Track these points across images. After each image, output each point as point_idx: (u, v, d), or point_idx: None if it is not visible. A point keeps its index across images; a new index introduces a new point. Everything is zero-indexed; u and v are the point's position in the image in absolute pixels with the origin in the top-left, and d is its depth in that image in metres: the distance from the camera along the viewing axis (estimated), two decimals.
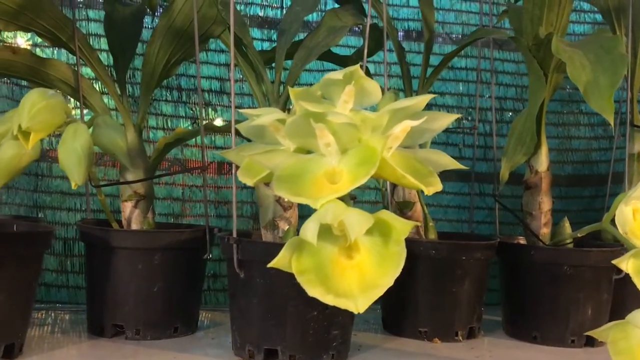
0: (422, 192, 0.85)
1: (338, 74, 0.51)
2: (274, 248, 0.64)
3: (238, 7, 1.02)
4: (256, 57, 0.76)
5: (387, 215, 0.45)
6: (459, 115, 0.50)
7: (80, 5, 0.97)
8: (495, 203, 0.93)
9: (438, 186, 0.49)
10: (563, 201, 1.13)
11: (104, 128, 0.59)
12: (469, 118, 1.10)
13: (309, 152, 0.50)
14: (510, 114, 1.13)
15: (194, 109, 1.01)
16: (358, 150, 0.47)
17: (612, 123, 0.59)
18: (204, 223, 0.94)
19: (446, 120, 0.50)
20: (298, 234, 0.69)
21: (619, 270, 0.78)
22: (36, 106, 0.51)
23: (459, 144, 1.10)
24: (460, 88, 1.12)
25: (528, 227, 0.84)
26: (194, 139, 0.98)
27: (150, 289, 0.72)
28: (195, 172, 0.97)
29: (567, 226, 0.83)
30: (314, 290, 0.44)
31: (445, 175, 1.08)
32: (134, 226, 0.77)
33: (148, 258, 0.71)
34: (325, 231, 0.46)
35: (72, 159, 0.52)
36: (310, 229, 0.42)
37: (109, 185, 0.75)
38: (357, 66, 0.51)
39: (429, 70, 0.85)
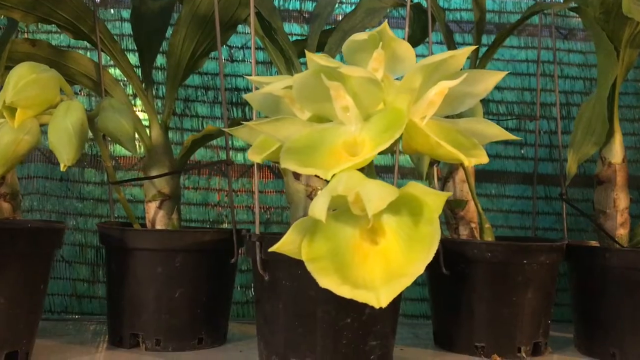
0: (476, 190, 0.76)
1: (362, 35, 0.43)
2: None
3: (276, 2, 0.97)
4: (286, 42, 0.70)
5: (416, 188, 0.37)
6: (506, 73, 0.42)
7: (113, 5, 0.94)
8: (563, 204, 0.82)
9: (483, 158, 0.40)
10: None
11: (110, 111, 0.53)
12: (532, 114, 1.00)
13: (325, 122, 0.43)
14: (578, 109, 1.02)
15: (230, 109, 0.95)
16: (383, 114, 0.39)
17: None
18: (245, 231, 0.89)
19: (492, 79, 0.42)
20: None
21: None
22: (23, 80, 0.46)
23: (520, 143, 1.00)
24: (521, 82, 1.02)
25: (601, 227, 0.73)
26: (232, 142, 0.93)
27: (171, 295, 0.65)
28: (239, 175, 0.91)
29: None
30: (327, 280, 0.36)
31: (506, 178, 1.00)
32: (158, 227, 0.71)
33: (169, 260, 0.65)
34: (345, 212, 0.38)
35: (62, 137, 0.47)
36: (318, 204, 0.35)
37: (128, 181, 0.70)
38: (385, 24, 0.43)
39: (482, 51, 0.76)
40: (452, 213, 0.75)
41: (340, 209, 0.38)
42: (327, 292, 0.56)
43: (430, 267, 0.73)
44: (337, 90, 0.38)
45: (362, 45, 0.44)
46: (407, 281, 0.35)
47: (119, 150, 0.92)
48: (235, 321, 0.85)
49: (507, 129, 1.01)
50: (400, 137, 0.42)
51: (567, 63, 1.03)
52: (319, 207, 0.34)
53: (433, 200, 0.36)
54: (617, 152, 0.73)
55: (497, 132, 0.43)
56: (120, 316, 0.67)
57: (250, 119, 0.95)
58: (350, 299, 0.49)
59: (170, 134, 0.92)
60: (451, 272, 0.67)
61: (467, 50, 0.40)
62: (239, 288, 0.91)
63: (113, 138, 0.54)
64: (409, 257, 0.35)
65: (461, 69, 0.42)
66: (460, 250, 0.69)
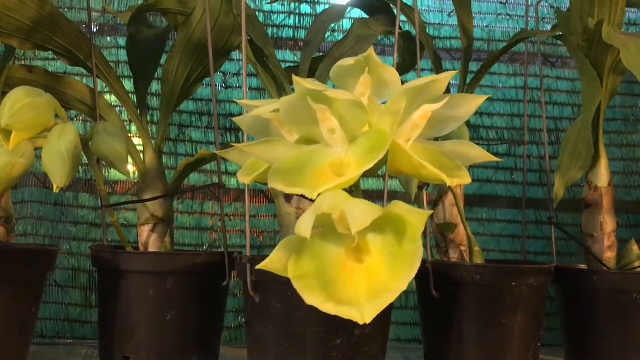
0: (465, 212, 0.77)
1: (349, 60, 0.44)
2: None
3: (270, 31, 0.99)
4: (278, 68, 0.71)
5: (400, 208, 0.38)
6: (487, 97, 0.43)
7: (110, 33, 0.96)
8: (552, 228, 0.83)
9: (465, 179, 0.41)
10: (631, 230, 1.02)
11: (104, 135, 0.54)
12: (522, 140, 1.02)
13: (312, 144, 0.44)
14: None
15: (225, 135, 0.96)
16: (367, 136, 0.40)
17: None
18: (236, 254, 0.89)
19: (473, 103, 0.43)
20: None
21: None
22: (19, 103, 0.47)
23: (510, 168, 1.01)
24: (510, 108, 1.04)
25: (589, 250, 0.74)
26: (223, 167, 0.94)
27: (162, 317, 0.65)
28: (233, 200, 0.92)
29: (635, 248, 0.73)
30: (312, 298, 0.37)
31: (497, 202, 1.01)
32: (150, 250, 0.72)
33: (160, 283, 0.65)
34: (330, 230, 0.39)
35: (55, 159, 0.47)
36: (304, 222, 0.36)
37: (121, 204, 0.70)
38: (371, 50, 0.44)
39: (469, 77, 0.78)
40: (441, 236, 0.76)
41: (326, 228, 0.39)
42: (317, 314, 0.56)
43: (421, 290, 0.74)
44: (323, 113, 0.39)
45: (349, 70, 0.45)
46: (391, 297, 0.35)
47: (114, 175, 0.93)
48: (227, 345, 0.85)
49: (497, 154, 1.04)
50: (386, 160, 0.44)
51: (555, 90, 1.05)
52: (304, 226, 0.35)
53: (416, 218, 0.37)
54: (603, 176, 0.74)
55: (479, 154, 0.44)
56: (111, 339, 0.67)
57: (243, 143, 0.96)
58: (339, 319, 0.49)
59: (164, 159, 0.93)
60: (441, 295, 0.67)
61: (449, 75, 0.41)
62: (231, 312, 0.92)
63: (106, 161, 0.55)
64: (392, 275, 0.36)
65: (446, 93, 0.43)
66: (449, 273, 0.69)
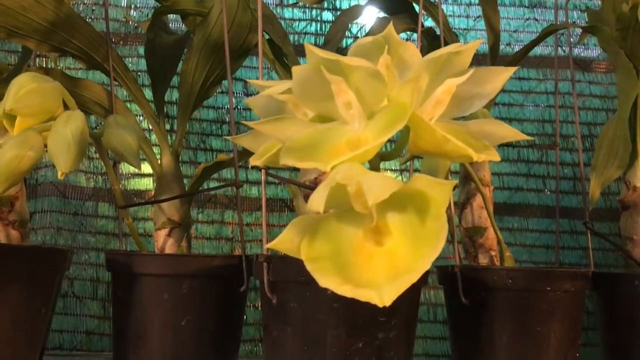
0: (494, 216, 0.73)
1: (367, 38, 0.42)
2: None
3: (291, 38, 0.97)
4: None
5: (421, 182, 0.35)
6: (516, 68, 0.40)
7: (130, 42, 0.95)
8: (588, 232, 0.79)
9: (494, 155, 0.38)
10: None
11: (114, 127, 0.52)
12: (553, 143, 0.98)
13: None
14: None
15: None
16: (386, 111, 0.37)
17: None
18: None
19: (501, 77, 0.40)
20: None
21: None
22: (24, 88, 0.45)
23: (542, 175, 0.97)
24: (541, 114, 1.00)
25: (629, 255, 0.69)
26: (244, 176, 0.92)
27: (177, 323, 0.63)
28: (251, 210, 0.90)
29: None
30: (327, 280, 0.33)
31: (529, 211, 0.97)
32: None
33: (174, 286, 0.63)
34: (347, 211, 0.36)
35: (60, 144, 0.46)
36: (317, 196, 0.33)
37: (137, 205, 0.68)
38: (390, 28, 0.42)
39: None
40: (470, 241, 0.72)
41: (343, 208, 0.36)
42: (337, 315, 0.53)
43: (449, 298, 0.70)
44: (338, 85, 0.37)
45: (367, 50, 0.43)
46: (412, 278, 0.32)
47: (134, 184, 0.91)
48: (246, 358, 0.82)
49: (529, 161, 0.99)
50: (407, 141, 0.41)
51: (588, 95, 1.01)
52: (317, 199, 0.32)
53: (439, 192, 0.34)
54: None
55: (509, 133, 0.41)
56: (124, 345, 0.64)
57: None
58: (361, 321, 0.46)
59: (184, 168, 0.91)
60: (471, 302, 0.64)
61: (474, 45, 0.39)
62: (252, 325, 0.89)
63: (117, 154, 0.53)
64: (414, 254, 0.33)
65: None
66: (479, 278, 0.65)
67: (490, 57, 0.76)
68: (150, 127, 0.74)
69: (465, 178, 0.73)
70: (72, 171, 0.47)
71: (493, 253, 0.71)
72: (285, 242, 0.36)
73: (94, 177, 0.90)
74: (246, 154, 0.92)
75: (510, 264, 0.70)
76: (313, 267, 0.34)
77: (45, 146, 0.50)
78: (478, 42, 0.38)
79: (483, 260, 0.72)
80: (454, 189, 0.68)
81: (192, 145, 0.93)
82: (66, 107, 0.52)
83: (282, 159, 0.36)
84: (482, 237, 0.72)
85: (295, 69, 0.37)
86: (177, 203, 0.70)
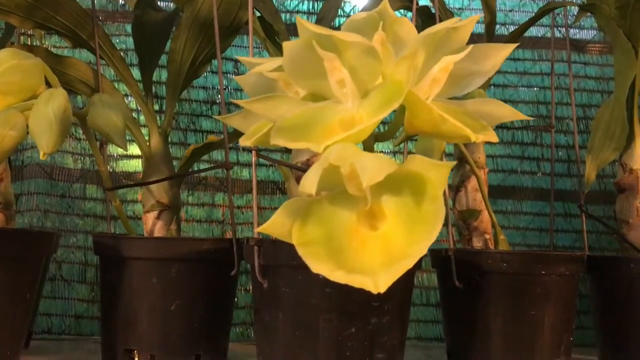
0: (489, 199, 0.72)
1: (361, 14, 0.40)
2: None
3: (283, 17, 0.95)
4: None
5: (418, 164, 0.33)
6: (516, 44, 0.39)
7: (117, 20, 0.93)
8: (582, 216, 0.78)
9: (491, 136, 0.37)
10: None
11: (100, 107, 0.51)
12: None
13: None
14: None
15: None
16: (381, 89, 0.36)
17: None
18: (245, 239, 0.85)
19: (500, 54, 0.39)
20: None
21: None
22: (4, 65, 0.43)
23: (537, 157, 0.96)
24: (535, 95, 0.99)
25: (624, 238, 0.69)
26: (235, 158, 0.90)
27: (166, 307, 0.62)
28: (242, 192, 0.89)
29: None
30: (319, 265, 0.32)
31: (523, 194, 0.96)
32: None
33: (164, 270, 0.61)
34: (340, 193, 0.35)
35: (41, 123, 0.44)
36: (309, 177, 0.31)
37: (123, 187, 0.67)
38: (385, 3, 0.40)
39: None
40: (464, 224, 0.71)
41: (336, 190, 0.35)
42: (330, 300, 0.52)
43: (442, 281, 0.70)
44: (331, 62, 0.35)
45: (361, 26, 0.41)
46: (408, 263, 0.31)
47: (122, 165, 0.89)
48: (238, 342, 0.81)
49: (523, 144, 0.98)
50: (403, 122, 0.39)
51: (583, 76, 0.99)
52: (309, 181, 0.31)
53: (436, 174, 0.32)
54: (638, 157, 0.69)
55: (507, 113, 0.40)
56: (114, 330, 0.63)
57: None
58: (354, 306, 0.45)
59: (173, 149, 0.90)
60: (464, 285, 0.63)
61: (472, 20, 0.37)
62: (244, 308, 0.88)
63: (103, 134, 0.52)
64: (410, 238, 0.32)
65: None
66: (473, 261, 0.64)
67: (487, 36, 0.74)
68: (139, 108, 0.73)
69: (460, 160, 0.72)
70: (55, 151, 0.45)
71: (487, 236, 0.70)
72: (276, 225, 0.34)
73: (82, 158, 0.89)
74: (237, 135, 0.91)
75: (505, 247, 0.69)
76: (305, 251, 0.33)
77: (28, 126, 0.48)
78: (476, 18, 0.37)
79: (477, 243, 0.71)
80: None
81: (182, 127, 0.92)
82: (49, 85, 0.50)
83: (273, 139, 0.34)
84: (476, 220, 0.71)
85: (286, 45, 0.35)
86: (166, 185, 0.69)
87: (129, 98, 0.87)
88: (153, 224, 0.69)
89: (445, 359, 0.70)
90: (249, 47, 0.93)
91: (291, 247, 0.55)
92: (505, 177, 0.95)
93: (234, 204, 0.90)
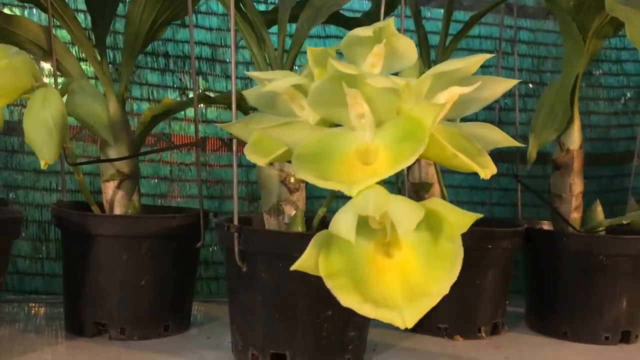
0: (441, 171, 0.77)
1: (367, 30, 0.41)
2: (282, 238, 0.56)
3: None
4: (257, 18, 0.66)
5: (437, 204, 0.36)
6: (518, 80, 0.42)
7: None
8: (518, 185, 0.85)
9: (492, 167, 0.40)
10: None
11: (81, 95, 0.49)
12: None
13: (332, 125, 0.41)
14: (526, 86, 1.05)
15: (182, 78, 0.91)
16: (398, 122, 0.38)
17: None
18: (195, 205, 0.85)
19: (502, 86, 0.41)
20: (306, 220, 0.61)
21: None
22: None
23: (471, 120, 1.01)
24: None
25: (557, 211, 0.76)
26: (182, 112, 0.89)
27: (137, 282, 0.62)
28: (188, 149, 0.88)
29: (599, 210, 0.76)
30: (347, 298, 0.35)
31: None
32: (117, 210, 0.68)
33: (134, 247, 0.62)
34: (360, 223, 0.37)
35: (41, 132, 0.42)
36: (345, 223, 0.33)
37: (89, 163, 0.65)
38: (390, 20, 0.42)
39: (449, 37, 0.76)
40: (416, 196, 0.76)
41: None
42: (310, 285, 0.55)
43: None
44: (354, 98, 0.37)
45: (363, 40, 0.42)
46: (432, 301, 0.34)
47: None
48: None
49: (473, 119, 1.02)
50: None
51: (518, 41, 1.04)
52: (346, 226, 0.33)
53: (456, 218, 0.36)
54: (575, 138, 0.75)
55: (500, 139, 0.43)
56: (81, 304, 0.63)
57: (210, 90, 0.91)
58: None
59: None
60: None
61: (480, 59, 0.39)
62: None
63: (84, 124, 0.50)
64: (429, 275, 0.35)
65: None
66: None
67: (446, 13, 0.76)
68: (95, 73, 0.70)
69: None
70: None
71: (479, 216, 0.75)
72: (307, 259, 0.36)
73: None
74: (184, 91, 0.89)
75: None
76: (333, 284, 0.35)
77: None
78: (484, 57, 0.39)
79: None
80: None
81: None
82: None
83: (299, 173, 0.36)
84: (427, 193, 0.75)
85: (315, 85, 0.36)
86: (127, 154, 0.68)
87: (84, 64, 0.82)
88: (113, 194, 0.68)
89: None
90: (215, 14, 0.91)
91: (273, 234, 0.58)
92: None
93: (182, 160, 0.89)
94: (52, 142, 0.43)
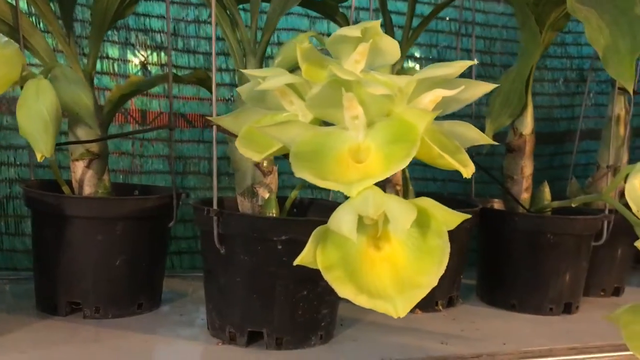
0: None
1: (355, 30, 0.43)
2: (260, 222, 0.58)
3: None
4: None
5: (425, 202, 0.39)
6: (496, 85, 0.44)
7: None
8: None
9: (471, 166, 0.43)
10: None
11: (64, 82, 0.49)
12: None
13: (324, 123, 0.43)
14: (478, 67, 1.09)
15: (144, 52, 0.90)
16: (389, 124, 0.40)
17: (630, 91, 0.55)
18: (157, 181, 0.86)
19: (481, 89, 0.44)
20: (279, 201, 0.63)
21: (598, 237, 0.77)
22: None
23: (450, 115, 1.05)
24: (429, 39, 1.06)
25: (509, 192, 0.81)
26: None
27: (112, 263, 0.63)
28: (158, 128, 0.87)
29: (546, 191, 0.81)
30: (344, 290, 0.37)
31: None
32: (87, 189, 0.68)
33: (109, 228, 0.63)
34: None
35: (37, 124, 0.42)
36: (346, 222, 0.36)
37: (63, 145, 0.65)
38: (377, 22, 0.44)
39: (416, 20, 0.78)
40: None
41: None
42: (286, 267, 0.58)
43: None
44: (350, 101, 0.39)
45: (350, 39, 0.44)
46: (422, 292, 0.38)
47: None
48: None
49: None
50: None
51: (469, 22, 1.07)
52: (348, 226, 0.35)
53: (443, 215, 0.39)
54: (528, 124, 0.80)
55: (477, 137, 0.46)
56: (54, 283, 0.64)
57: (172, 65, 0.90)
58: (308, 272, 0.50)
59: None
60: None
61: (463, 65, 0.42)
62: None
63: (69, 112, 0.50)
64: (418, 268, 0.38)
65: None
66: None
67: None
68: (60, 48, 0.68)
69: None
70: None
71: (398, 188, 0.79)
72: (307, 254, 0.39)
73: None
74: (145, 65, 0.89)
75: (413, 196, 0.78)
76: (330, 277, 0.38)
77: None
78: (467, 64, 0.42)
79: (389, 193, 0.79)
80: None
81: (85, 52, 0.87)
82: None
83: (298, 172, 0.38)
84: None
85: (314, 91, 0.38)
86: (96, 133, 0.67)
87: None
88: (83, 173, 0.68)
89: None
90: None
91: (251, 218, 0.60)
92: None
93: (144, 136, 0.89)
94: (48, 134, 0.43)
